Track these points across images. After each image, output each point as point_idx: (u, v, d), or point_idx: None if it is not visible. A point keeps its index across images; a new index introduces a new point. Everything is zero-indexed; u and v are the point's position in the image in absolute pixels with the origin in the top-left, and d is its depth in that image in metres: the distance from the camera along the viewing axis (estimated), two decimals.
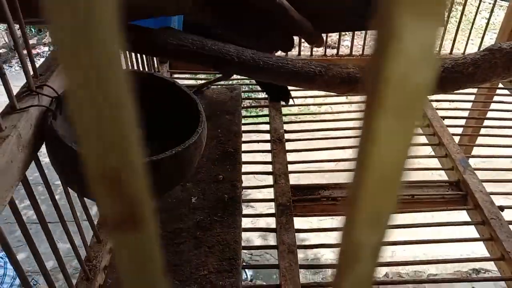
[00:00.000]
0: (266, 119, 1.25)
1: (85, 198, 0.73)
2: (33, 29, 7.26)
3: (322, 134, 1.25)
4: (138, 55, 1.16)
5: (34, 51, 6.92)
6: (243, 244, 0.85)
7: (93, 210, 0.84)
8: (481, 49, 0.90)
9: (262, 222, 1.06)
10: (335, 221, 1.03)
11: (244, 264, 0.92)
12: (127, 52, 1.00)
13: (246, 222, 0.95)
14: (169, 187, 0.62)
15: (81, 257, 0.78)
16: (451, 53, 1.57)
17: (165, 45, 0.85)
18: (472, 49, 1.54)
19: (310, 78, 0.76)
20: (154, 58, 1.28)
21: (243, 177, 1.01)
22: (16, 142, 0.53)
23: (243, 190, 0.99)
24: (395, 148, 0.11)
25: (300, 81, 0.77)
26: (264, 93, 1.35)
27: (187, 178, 0.80)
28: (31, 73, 0.63)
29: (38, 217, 0.64)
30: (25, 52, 0.60)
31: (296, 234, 0.88)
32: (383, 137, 0.10)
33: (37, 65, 0.67)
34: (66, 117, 0.63)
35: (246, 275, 2.43)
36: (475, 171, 1.02)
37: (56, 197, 0.66)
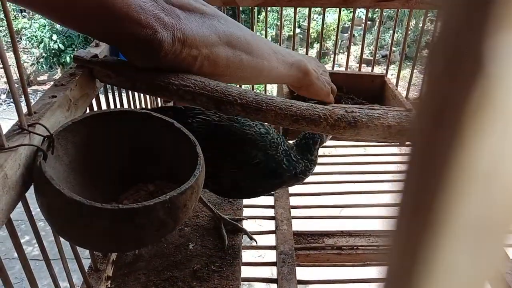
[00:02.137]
0: None
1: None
2: (44, 66, 7.39)
3: (327, 177, 1.21)
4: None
5: (44, 87, 7.03)
6: None
7: (85, 253, 0.80)
8: None
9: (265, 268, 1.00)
10: (340, 271, 0.97)
11: None
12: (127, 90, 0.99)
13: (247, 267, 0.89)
14: (162, 234, 0.57)
15: None
16: None
17: (168, 85, 0.83)
18: None
19: (314, 121, 0.73)
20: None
21: (244, 222, 0.96)
22: (1, 183, 0.50)
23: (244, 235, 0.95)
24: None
25: (303, 125, 0.74)
26: None
27: (181, 224, 0.76)
28: (25, 110, 0.61)
29: (43, 254, 0.61)
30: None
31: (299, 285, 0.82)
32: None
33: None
34: (57, 158, 0.60)
35: None
36: None
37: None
